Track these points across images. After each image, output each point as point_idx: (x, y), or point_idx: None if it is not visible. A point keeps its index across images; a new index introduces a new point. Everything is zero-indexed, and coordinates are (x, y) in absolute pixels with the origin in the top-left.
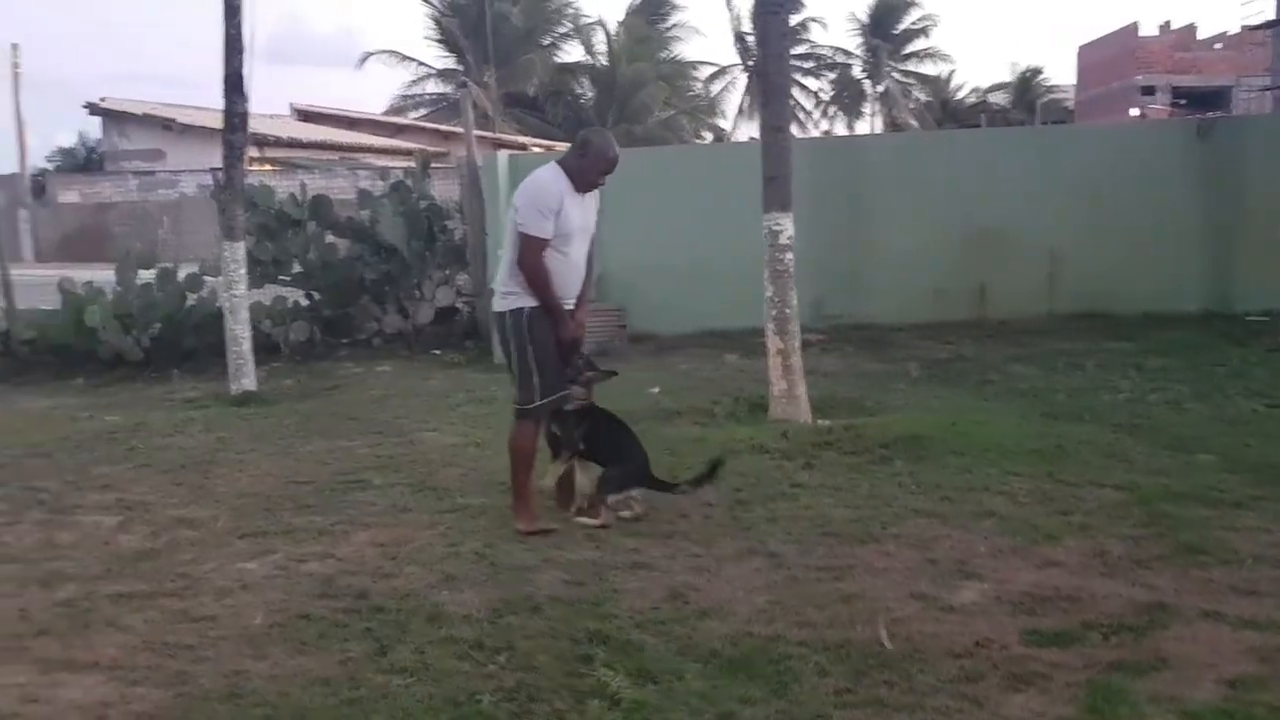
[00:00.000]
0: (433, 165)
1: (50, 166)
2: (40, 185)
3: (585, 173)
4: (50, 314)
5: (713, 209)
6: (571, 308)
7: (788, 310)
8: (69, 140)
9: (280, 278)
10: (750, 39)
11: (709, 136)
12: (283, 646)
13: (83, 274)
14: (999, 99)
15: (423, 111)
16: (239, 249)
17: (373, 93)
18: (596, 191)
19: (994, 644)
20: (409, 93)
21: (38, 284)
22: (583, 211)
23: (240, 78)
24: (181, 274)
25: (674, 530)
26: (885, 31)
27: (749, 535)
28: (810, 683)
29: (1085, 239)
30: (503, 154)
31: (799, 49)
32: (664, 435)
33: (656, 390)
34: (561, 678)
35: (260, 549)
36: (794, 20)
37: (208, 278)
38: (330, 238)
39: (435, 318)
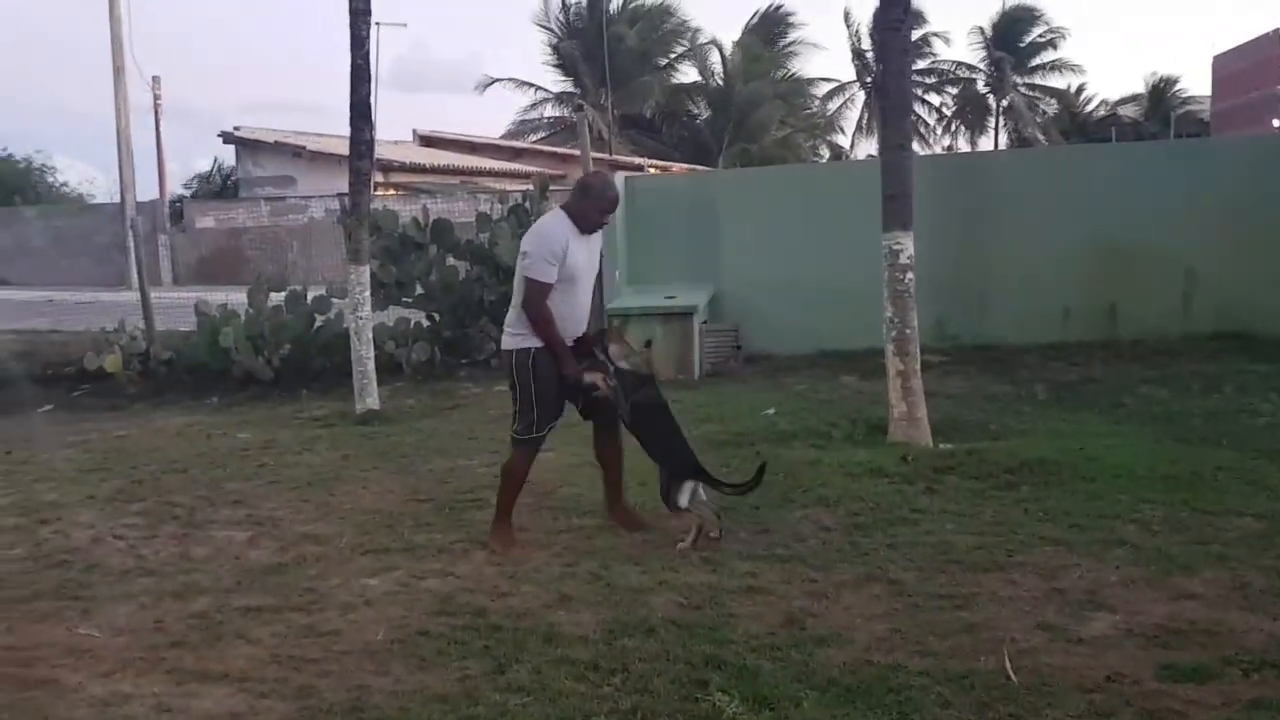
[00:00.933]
0: (551, 188)
1: (188, 193)
2: (178, 211)
3: (587, 214)
4: (187, 335)
5: (831, 228)
6: (571, 345)
7: (908, 331)
8: (205, 167)
9: (403, 300)
10: (869, 55)
11: (826, 154)
12: (403, 662)
13: (218, 296)
14: (1130, 111)
15: (540, 135)
16: (364, 272)
17: (493, 117)
18: (600, 232)
19: (1126, 679)
20: (527, 117)
21: (176, 306)
22: (588, 252)
23: (367, 106)
24: (310, 297)
25: (790, 554)
26: (1010, 44)
27: (868, 561)
28: (931, 714)
29: (1223, 256)
30: (620, 175)
31: (920, 64)
32: (780, 458)
33: (772, 412)
34: (677, 701)
35: (382, 565)
36: (915, 35)
37: (334, 300)
38: (450, 260)
39: None
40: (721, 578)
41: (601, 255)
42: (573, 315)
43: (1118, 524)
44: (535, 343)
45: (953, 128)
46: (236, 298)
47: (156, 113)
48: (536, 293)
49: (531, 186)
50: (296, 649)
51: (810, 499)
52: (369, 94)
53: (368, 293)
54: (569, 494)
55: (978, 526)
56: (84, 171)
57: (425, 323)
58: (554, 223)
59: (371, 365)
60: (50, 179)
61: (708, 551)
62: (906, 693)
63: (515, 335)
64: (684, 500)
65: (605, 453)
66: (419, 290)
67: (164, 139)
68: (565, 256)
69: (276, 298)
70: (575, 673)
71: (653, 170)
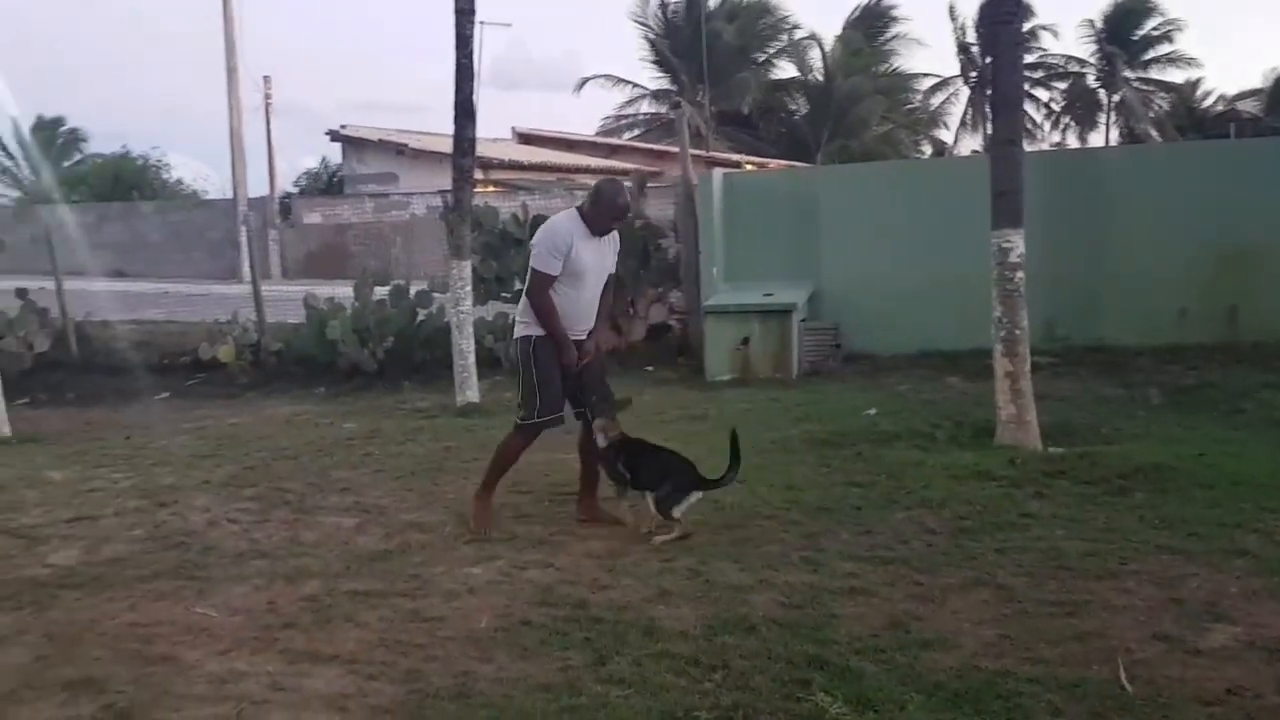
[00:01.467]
0: (648, 185)
1: (295, 190)
2: (287, 207)
3: (599, 220)
4: (296, 327)
5: (935, 224)
6: (583, 338)
7: (1017, 331)
8: (309, 164)
9: (502, 295)
10: (975, 49)
11: (928, 150)
12: (506, 650)
13: (323, 290)
14: (1249, 107)
15: (636, 132)
16: (466, 267)
17: (589, 114)
18: (615, 235)
19: (1247, 692)
20: (623, 113)
21: (284, 299)
22: (598, 254)
23: (471, 104)
24: (412, 291)
25: (894, 556)
26: (1123, 38)
27: (975, 565)
28: None
29: None
30: (718, 172)
31: (1028, 58)
32: (883, 458)
33: (873, 412)
34: (779, 700)
35: (485, 555)
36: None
37: (436, 295)
38: None
39: (648, 334)
40: (823, 578)
41: (683, 250)
42: (578, 310)
43: (1238, 533)
44: (538, 331)
45: (1061, 124)
46: (342, 292)
47: (267, 111)
48: (539, 283)
49: (630, 183)
50: (403, 633)
51: (914, 501)
52: (472, 92)
53: (469, 287)
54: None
55: (1089, 533)
56: (197, 169)
57: None
58: (564, 221)
59: (472, 359)
60: (166, 175)
61: (807, 552)
62: (1016, 699)
63: (520, 324)
64: (679, 511)
65: (589, 446)
66: (518, 285)
67: (272, 137)
68: (570, 253)
69: (381, 292)
70: (676, 667)
71: (749, 167)
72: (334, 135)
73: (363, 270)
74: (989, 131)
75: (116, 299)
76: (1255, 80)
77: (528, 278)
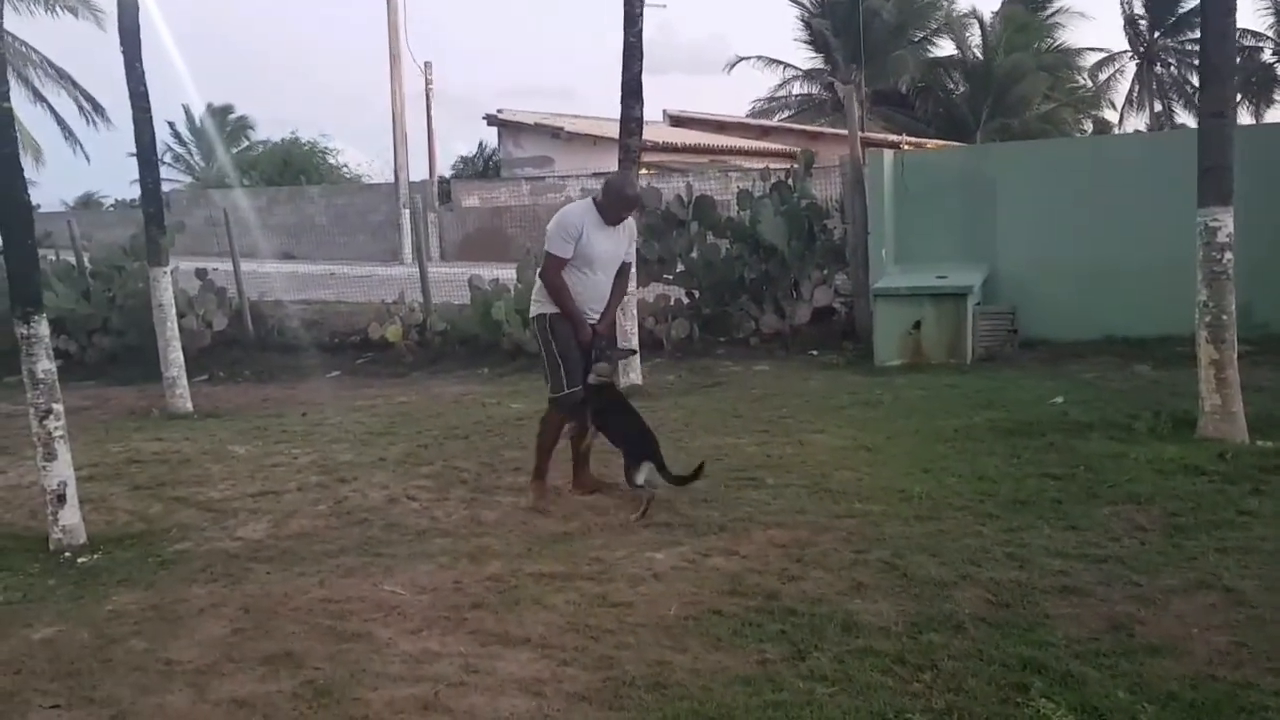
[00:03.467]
0: (771, 168)
1: (451, 174)
2: (446, 191)
3: (610, 209)
4: (460, 308)
5: (1120, 203)
6: (595, 320)
7: (1225, 317)
8: (461, 150)
9: (664, 276)
10: (1143, 23)
11: (1089, 129)
12: (699, 640)
13: (481, 272)
14: None
15: (787, 113)
16: (631, 250)
17: (737, 97)
18: (630, 224)
19: None
20: (774, 95)
21: (444, 281)
22: (612, 241)
23: (638, 84)
24: None
25: (1106, 554)
26: None
27: (1196, 566)
28: None
29: None
30: (888, 151)
31: (1199, 33)
32: (1077, 450)
33: (1061, 400)
34: (995, 705)
35: (665, 540)
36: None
37: None
38: (710, 238)
39: (812, 318)
40: (1031, 575)
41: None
42: (587, 293)
43: None
44: (552, 309)
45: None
46: (502, 274)
47: (428, 97)
48: (551, 264)
49: (795, 164)
50: (592, 618)
51: (1119, 495)
52: (640, 71)
53: (634, 269)
54: (846, 478)
55: None
56: (360, 154)
57: (685, 300)
58: (578, 208)
59: (635, 342)
60: (332, 160)
61: (1009, 547)
62: (1262, 714)
63: (536, 303)
64: (640, 479)
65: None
66: (679, 267)
67: (432, 122)
68: (581, 238)
69: None
70: (881, 665)
71: (906, 147)
72: (491, 119)
73: (526, 251)
74: (1156, 109)
75: (286, 280)
76: None
77: (542, 259)
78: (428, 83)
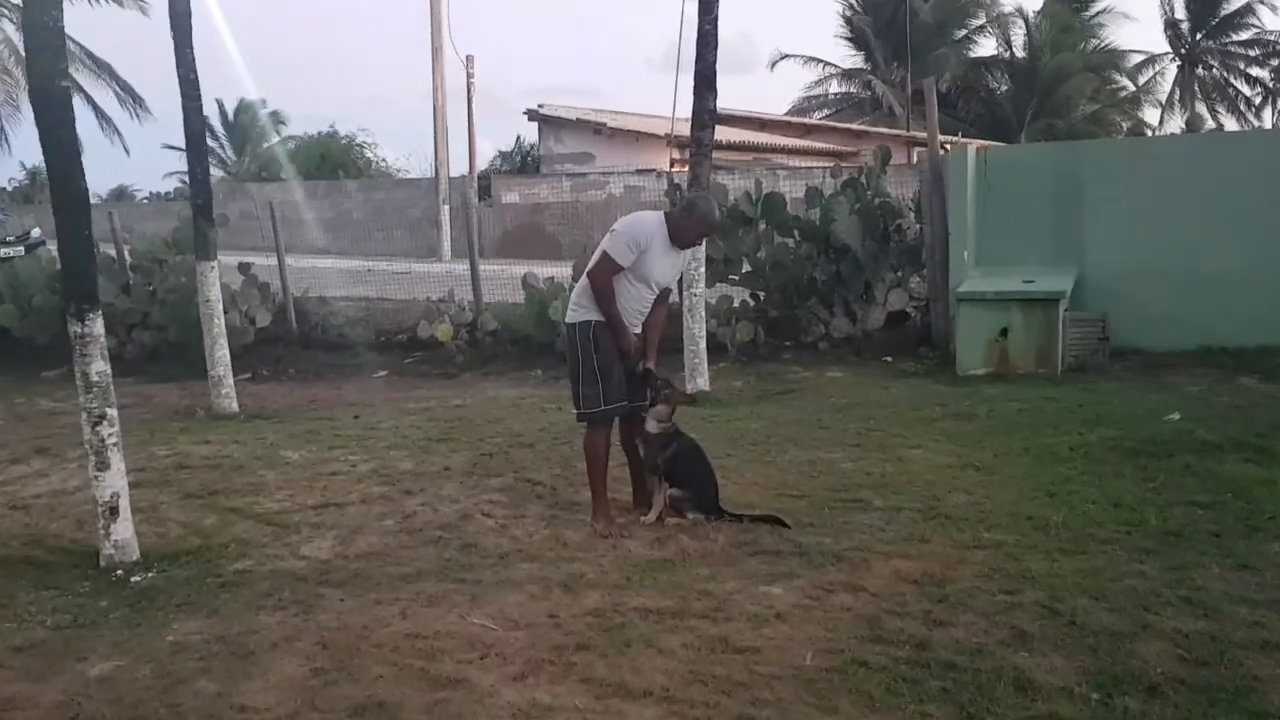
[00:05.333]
0: (840, 165)
1: (489, 170)
2: (486, 187)
3: (685, 232)
4: (511, 307)
5: (1215, 207)
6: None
7: None
8: (494, 146)
9: (730, 277)
10: (1184, 25)
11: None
12: (848, 698)
13: (518, 270)
14: None
15: (826, 112)
16: (700, 248)
17: (774, 96)
18: (687, 254)
19: None
20: (812, 93)
21: (487, 278)
22: (670, 265)
23: (713, 73)
24: None
25: None
26: None
27: None
28: None
29: None
30: (971, 147)
31: (1242, 35)
32: (1217, 474)
33: (1177, 417)
34: None
35: (778, 571)
36: (1238, 2)
37: None
38: (778, 237)
39: (885, 322)
40: (1221, 625)
41: (949, 237)
42: (630, 306)
43: None
44: (597, 316)
45: (1278, 104)
46: (557, 272)
47: (469, 91)
48: (607, 267)
49: (870, 160)
50: (716, 666)
51: None
52: (714, 61)
53: (703, 269)
54: (962, 501)
55: None
56: (398, 150)
57: (750, 301)
58: (652, 221)
59: (704, 344)
60: (369, 154)
61: (1181, 590)
62: None
63: (577, 309)
64: (689, 514)
65: (634, 441)
66: (745, 267)
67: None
68: (646, 252)
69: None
70: None
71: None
72: (532, 115)
73: (584, 249)
74: (1195, 111)
75: (326, 275)
76: None
77: (595, 259)
78: (469, 77)
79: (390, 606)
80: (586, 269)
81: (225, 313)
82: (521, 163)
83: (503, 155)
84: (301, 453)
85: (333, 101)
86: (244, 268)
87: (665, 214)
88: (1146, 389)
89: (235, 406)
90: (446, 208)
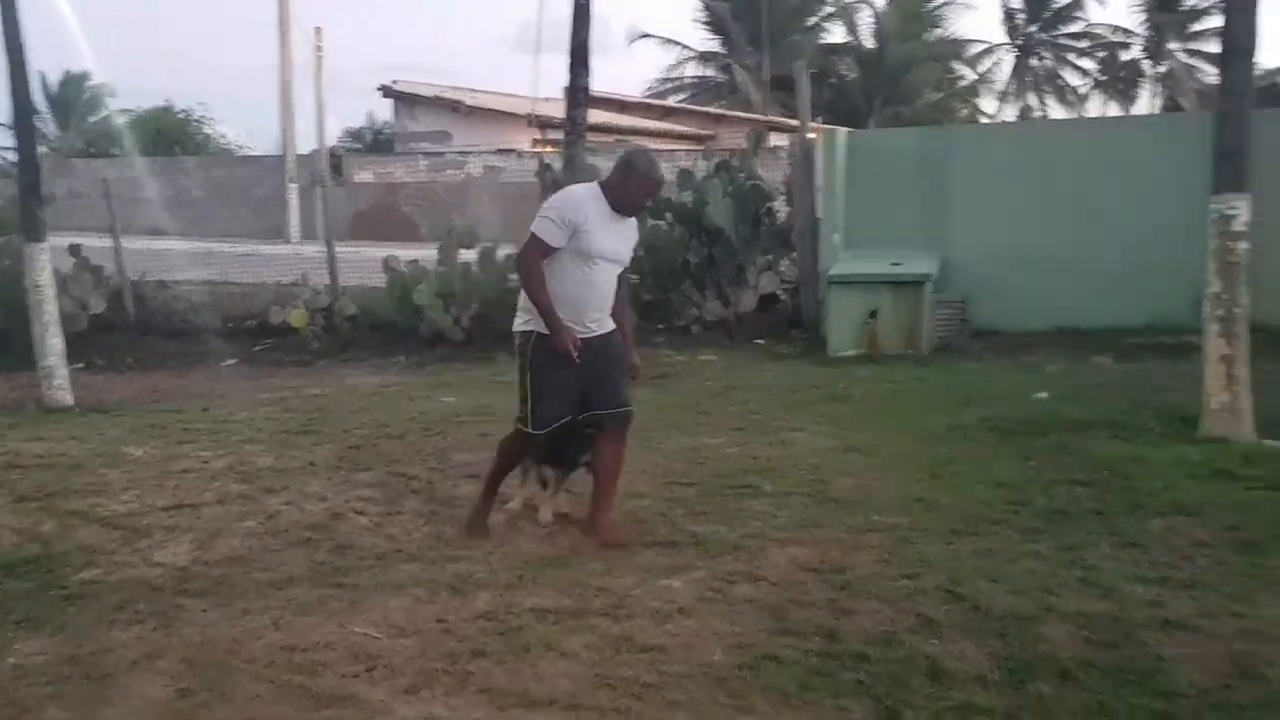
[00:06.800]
0: (711, 148)
1: (340, 147)
2: (337, 165)
3: (629, 195)
4: (373, 291)
5: (1072, 192)
6: (594, 331)
7: (1237, 309)
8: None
9: None
10: (1020, 16)
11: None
12: (762, 695)
13: (373, 252)
14: None
15: (683, 95)
16: None
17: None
18: (634, 222)
19: None
20: (670, 76)
21: (342, 261)
22: (617, 238)
23: (586, 51)
24: (501, 254)
25: (1191, 579)
26: (1172, 7)
27: None
28: None
29: None
30: (840, 131)
31: (1073, 27)
32: (1092, 452)
33: (1045, 396)
34: None
35: (676, 563)
36: None
37: None
38: (648, 220)
39: (758, 305)
40: (1121, 606)
41: (818, 220)
42: (588, 296)
43: None
44: (540, 327)
45: (1101, 96)
46: (405, 254)
47: (318, 65)
48: (533, 248)
49: (744, 143)
50: (623, 667)
51: (1163, 505)
52: (588, 38)
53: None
54: (849, 485)
55: None
56: (240, 125)
57: None
58: (584, 192)
59: None
60: (209, 130)
61: (1076, 570)
62: None
63: (524, 314)
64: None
65: (604, 460)
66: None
67: (305, 94)
68: (583, 228)
69: (464, 255)
70: None
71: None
72: (386, 91)
73: (448, 231)
74: (1027, 102)
75: (159, 257)
76: None
77: (524, 243)
78: (318, 50)
79: (261, 616)
80: (516, 256)
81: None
82: (374, 141)
83: (352, 133)
84: (146, 449)
85: (168, 74)
86: (74, 250)
87: (599, 183)
88: (1009, 369)
89: (70, 399)
90: (294, 186)
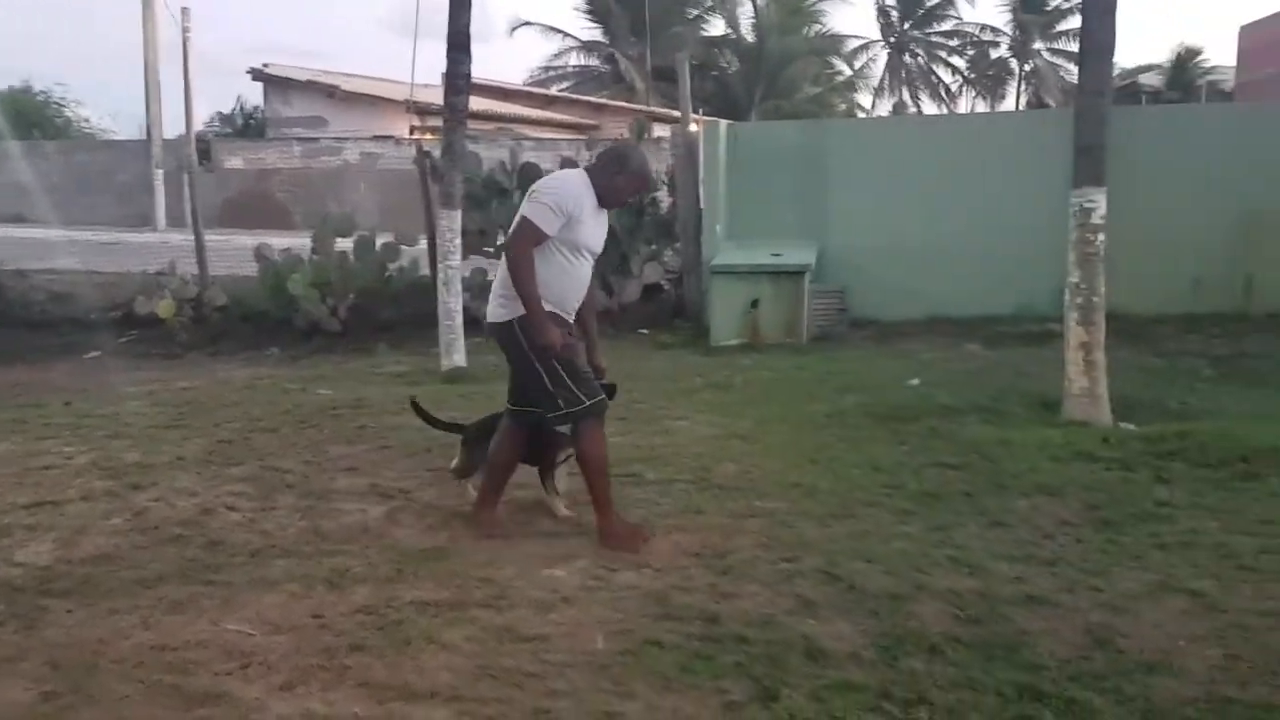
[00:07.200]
0: (646, 134)
1: (209, 131)
2: (205, 150)
3: (619, 190)
4: (245, 281)
5: (945, 185)
6: (570, 320)
7: (1095, 299)
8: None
9: (485, 249)
10: (894, 13)
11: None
12: (643, 680)
13: (245, 240)
14: (1150, 80)
15: (566, 84)
16: (456, 218)
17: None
18: (606, 214)
19: None
20: (552, 65)
21: (212, 250)
22: (598, 229)
23: (466, 36)
24: (378, 243)
25: (1053, 555)
26: (1037, 8)
27: (1145, 566)
28: None
29: None
30: (722, 123)
31: (944, 25)
32: (960, 436)
33: (917, 382)
34: None
35: (559, 552)
36: None
37: (404, 247)
38: None
39: (641, 295)
40: (987, 583)
41: (701, 211)
42: (572, 286)
43: None
44: (549, 307)
45: (971, 92)
46: (277, 242)
47: (185, 46)
48: (528, 234)
49: (628, 131)
50: (505, 658)
51: (1027, 486)
52: (468, 23)
53: (459, 240)
54: (731, 471)
55: (1246, 525)
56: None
57: None
58: (579, 181)
59: (460, 319)
60: (70, 113)
61: (946, 549)
62: None
63: (509, 302)
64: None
65: (584, 459)
66: (501, 239)
67: (172, 77)
68: (575, 218)
69: (340, 243)
70: (866, 702)
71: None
72: (256, 74)
73: (323, 219)
74: (902, 97)
75: (18, 245)
76: (1158, 55)
77: (513, 229)
78: (184, 31)
79: (129, 616)
80: (505, 244)
81: None
82: (245, 126)
83: (222, 117)
84: (6, 445)
85: (26, 53)
86: None
87: (587, 170)
88: (885, 357)
89: None
90: (160, 172)
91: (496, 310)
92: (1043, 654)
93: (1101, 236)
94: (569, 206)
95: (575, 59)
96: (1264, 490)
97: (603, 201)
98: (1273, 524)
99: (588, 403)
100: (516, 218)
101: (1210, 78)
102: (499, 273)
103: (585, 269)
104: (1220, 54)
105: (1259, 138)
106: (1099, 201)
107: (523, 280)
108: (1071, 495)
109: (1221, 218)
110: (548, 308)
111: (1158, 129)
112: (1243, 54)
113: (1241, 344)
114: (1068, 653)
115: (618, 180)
